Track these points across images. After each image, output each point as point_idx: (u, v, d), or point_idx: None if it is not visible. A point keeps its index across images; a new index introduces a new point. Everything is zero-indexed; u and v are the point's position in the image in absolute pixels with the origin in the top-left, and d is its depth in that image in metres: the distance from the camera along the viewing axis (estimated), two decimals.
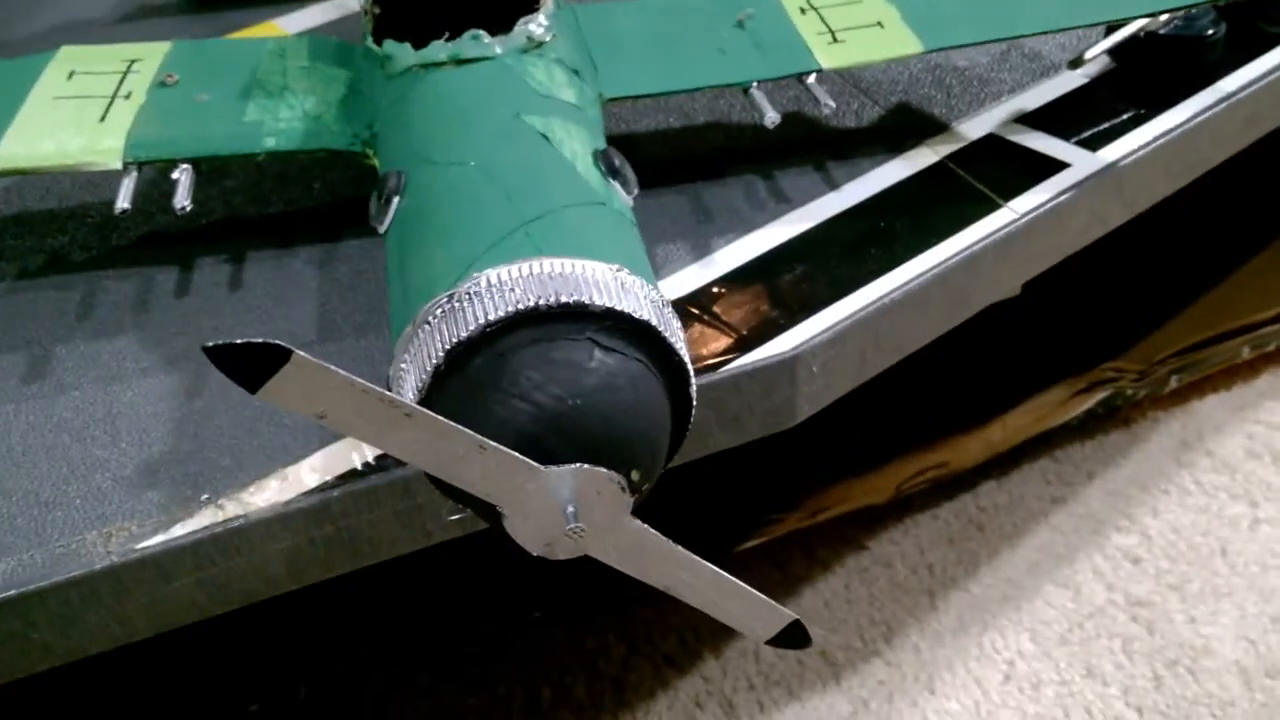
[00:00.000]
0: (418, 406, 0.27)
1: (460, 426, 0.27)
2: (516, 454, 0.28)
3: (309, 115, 0.43)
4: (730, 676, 0.58)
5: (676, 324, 0.32)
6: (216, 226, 0.46)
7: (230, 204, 0.47)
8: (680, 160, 0.49)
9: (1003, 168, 0.47)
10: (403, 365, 0.31)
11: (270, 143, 0.42)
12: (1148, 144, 0.48)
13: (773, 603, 0.32)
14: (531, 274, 0.30)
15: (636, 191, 0.37)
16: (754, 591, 0.31)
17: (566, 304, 0.29)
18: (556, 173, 0.35)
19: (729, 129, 0.50)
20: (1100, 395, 0.66)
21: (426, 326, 0.30)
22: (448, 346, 0.29)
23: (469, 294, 0.30)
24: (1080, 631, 0.59)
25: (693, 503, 0.48)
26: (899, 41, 0.45)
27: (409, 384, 0.30)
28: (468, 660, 0.58)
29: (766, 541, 0.60)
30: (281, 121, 0.43)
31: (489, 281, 0.30)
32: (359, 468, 0.36)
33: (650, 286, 0.31)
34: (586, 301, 0.29)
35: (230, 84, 0.45)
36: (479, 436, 0.27)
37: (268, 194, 0.48)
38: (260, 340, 0.25)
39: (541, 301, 0.29)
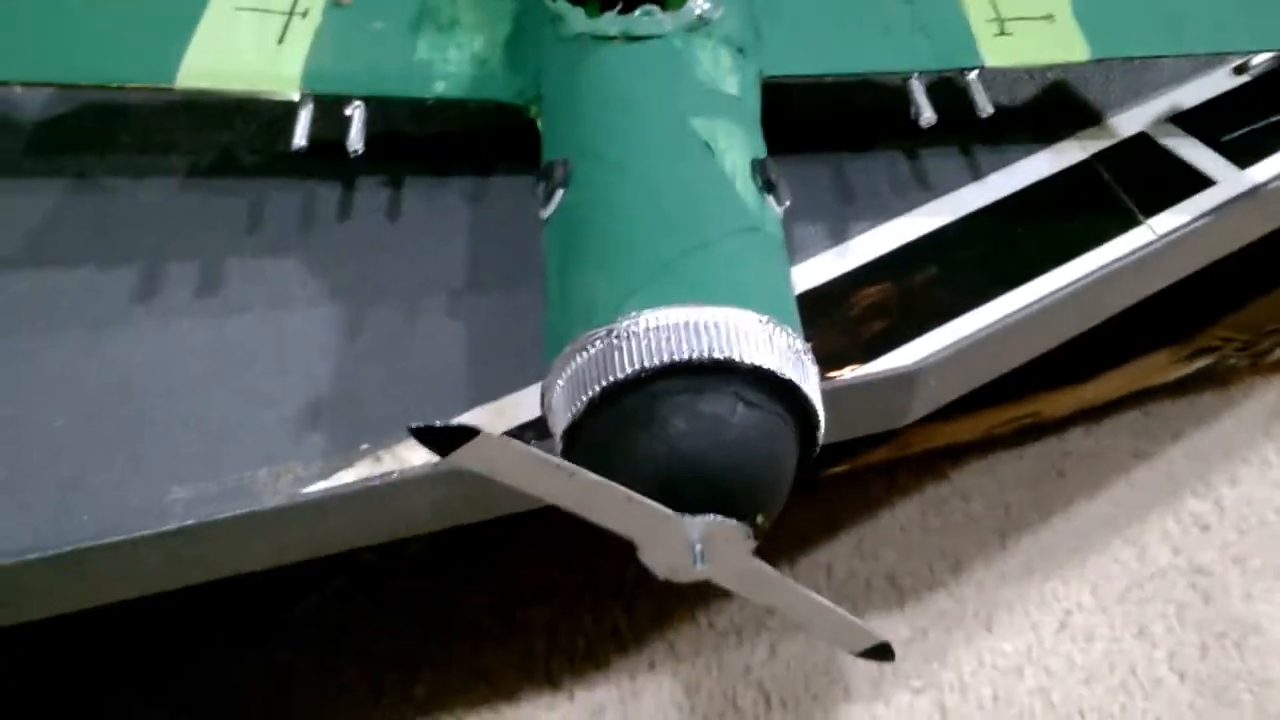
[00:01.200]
0: (578, 468, 0.30)
1: (610, 482, 0.30)
2: (656, 505, 0.31)
3: (476, 58, 0.44)
4: (803, 582, 0.62)
5: (814, 373, 0.34)
6: (376, 141, 0.47)
7: (390, 120, 0.49)
8: (828, 122, 0.49)
9: (1149, 177, 0.47)
10: (559, 383, 0.33)
11: (439, 88, 0.44)
12: None
13: (864, 625, 0.35)
14: (687, 324, 0.32)
15: (788, 203, 0.38)
16: (848, 615, 0.34)
17: (716, 359, 0.32)
18: (716, 194, 0.36)
19: (880, 91, 0.50)
20: (1202, 362, 0.66)
21: (584, 354, 0.33)
22: (603, 383, 0.32)
23: (628, 333, 0.32)
24: (1139, 591, 0.62)
25: None
26: (1068, 43, 0.44)
27: (562, 405, 0.33)
28: None
29: (853, 468, 0.63)
30: (450, 64, 0.44)
31: (646, 325, 0.32)
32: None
33: (794, 336, 0.33)
34: (736, 359, 0.32)
35: (402, 10, 0.46)
36: (626, 490, 0.30)
37: (427, 113, 0.49)
38: (456, 425, 0.28)
39: (694, 355, 0.31)
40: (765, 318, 0.33)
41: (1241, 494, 0.66)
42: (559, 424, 0.33)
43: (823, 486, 0.64)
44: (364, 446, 0.39)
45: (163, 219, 0.45)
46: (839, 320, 0.42)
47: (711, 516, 0.31)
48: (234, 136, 0.48)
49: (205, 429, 0.39)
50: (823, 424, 0.34)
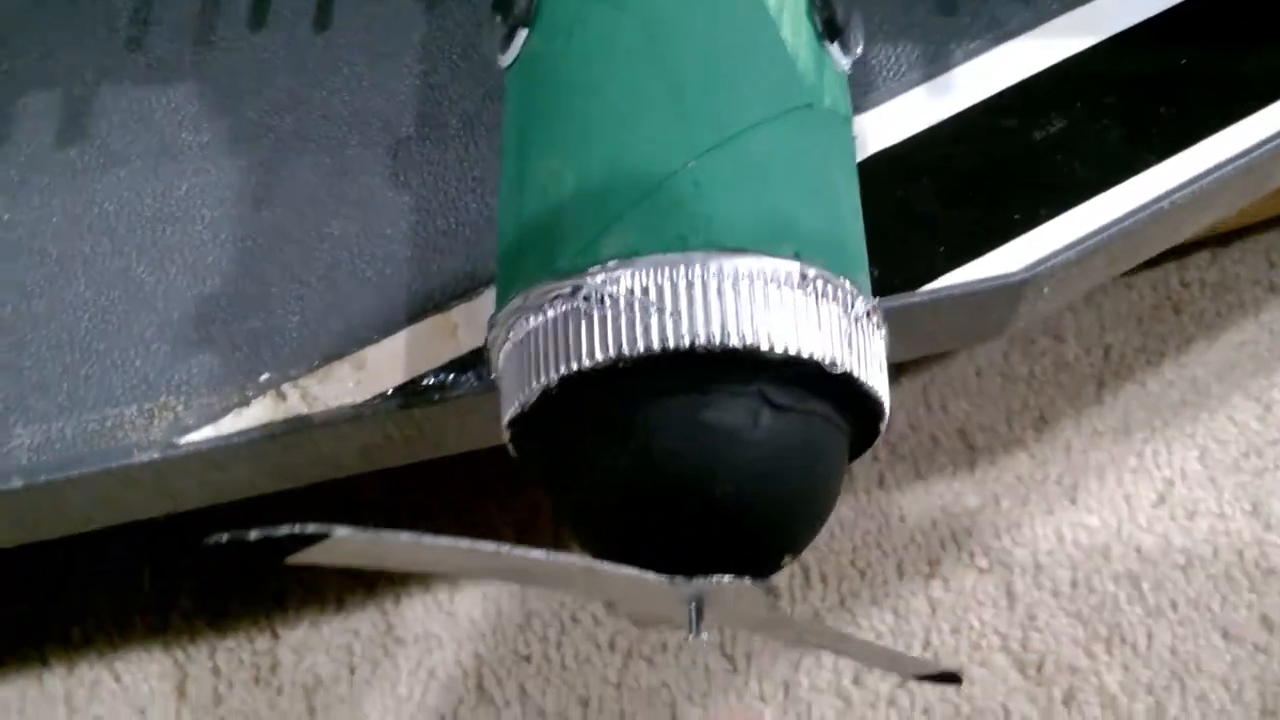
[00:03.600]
0: (503, 546, 0.20)
1: (560, 556, 0.20)
2: (635, 572, 0.21)
3: None
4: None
5: (882, 344, 0.23)
6: None
7: None
8: None
9: None
10: (506, 348, 0.23)
11: None
12: None
13: (918, 658, 0.26)
14: (691, 288, 0.21)
15: (860, 50, 0.26)
16: (898, 650, 0.25)
17: (733, 349, 0.21)
18: (752, 49, 0.24)
19: None
20: None
21: (540, 317, 0.22)
22: (563, 371, 0.21)
23: (601, 296, 0.21)
24: (1257, 459, 0.52)
25: None
26: None
27: (512, 379, 0.23)
28: None
29: None
30: None
31: (629, 284, 0.21)
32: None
33: (852, 288, 0.22)
34: (763, 347, 0.21)
35: None
36: (587, 561, 0.21)
37: None
38: (282, 534, 0.18)
39: (699, 341, 0.21)
40: (813, 268, 0.22)
41: None
42: (506, 405, 0.23)
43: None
44: (264, 376, 0.29)
45: (21, 29, 0.34)
46: (920, 201, 0.31)
47: (719, 579, 0.21)
48: None
49: (62, 339, 0.29)
50: (887, 416, 0.24)
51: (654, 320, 0.21)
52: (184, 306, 0.30)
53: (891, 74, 0.32)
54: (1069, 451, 0.53)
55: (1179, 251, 0.56)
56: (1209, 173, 0.31)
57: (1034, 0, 0.33)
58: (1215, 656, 0.49)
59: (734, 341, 0.21)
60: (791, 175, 0.23)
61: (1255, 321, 0.55)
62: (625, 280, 0.21)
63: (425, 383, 0.28)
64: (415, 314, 0.29)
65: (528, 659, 0.50)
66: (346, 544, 0.18)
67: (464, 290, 0.30)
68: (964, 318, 0.30)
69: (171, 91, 0.33)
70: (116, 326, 0.29)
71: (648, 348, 0.21)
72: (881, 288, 0.26)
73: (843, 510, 0.52)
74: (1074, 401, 0.54)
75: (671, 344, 0.21)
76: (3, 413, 0.29)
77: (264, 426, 0.28)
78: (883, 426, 0.24)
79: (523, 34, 0.26)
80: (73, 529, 0.30)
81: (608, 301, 0.21)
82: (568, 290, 0.22)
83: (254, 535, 0.17)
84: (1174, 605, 0.50)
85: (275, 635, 0.51)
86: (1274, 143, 0.31)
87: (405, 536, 0.19)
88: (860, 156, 0.29)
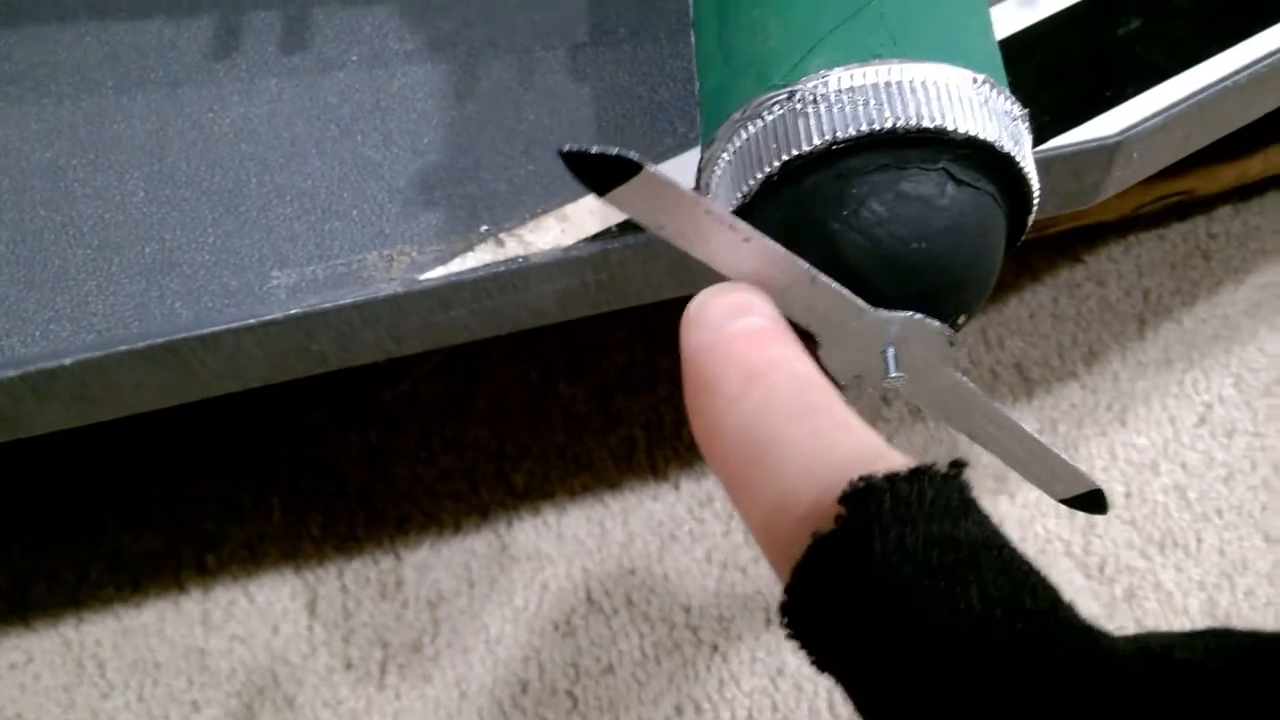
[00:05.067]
0: (757, 232, 0.25)
1: (795, 256, 0.25)
2: (847, 292, 0.26)
3: None
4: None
5: (1029, 141, 0.29)
6: None
7: None
8: None
9: None
10: (724, 157, 0.28)
11: None
12: None
13: (1078, 467, 0.30)
14: (889, 84, 0.26)
15: None
16: (1060, 454, 0.30)
17: (925, 129, 0.26)
18: None
19: None
20: None
21: (758, 122, 0.27)
22: (785, 157, 0.27)
23: (815, 97, 0.27)
24: None
25: None
26: None
27: (728, 183, 0.28)
28: None
29: None
30: None
31: (838, 85, 0.27)
32: None
33: (1010, 99, 0.28)
34: (948, 128, 0.26)
35: None
36: (812, 269, 0.26)
37: None
38: (616, 152, 0.23)
39: (899, 124, 0.26)
40: (980, 76, 0.27)
41: None
42: (724, 206, 0.28)
43: None
44: (484, 228, 0.34)
45: None
46: (1025, 81, 0.36)
47: (910, 314, 0.26)
48: None
49: (305, 204, 0.35)
50: (1036, 202, 0.29)
51: (860, 109, 0.26)
52: (408, 176, 0.35)
53: None
54: (1116, 381, 0.58)
55: (1205, 206, 0.62)
56: (1261, 60, 0.36)
57: None
58: (1259, 556, 0.54)
59: (926, 123, 0.26)
60: (952, 10, 0.29)
61: (1276, 265, 0.61)
62: (833, 82, 0.27)
63: (617, 230, 0.34)
64: None
65: (632, 572, 0.54)
66: (654, 182, 0.23)
67: (650, 158, 0.35)
68: (1068, 177, 0.36)
69: (374, 10, 0.38)
70: (352, 191, 0.35)
71: (857, 130, 0.26)
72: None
73: (915, 436, 0.57)
74: (1118, 338, 0.59)
75: (876, 126, 0.26)
76: (259, 261, 0.34)
77: (488, 266, 0.33)
78: (1030, 219, 0.29)
79: None
80: (312, 369, 0.35)
81: (819, 100, 0.27)
82: (784, 96, 0.27)
83: (595, 150, 0.23)
84: (1219, 513, 0.55)
85: (398, 557, 0.55)
86: None
87: (696, 197, 0.24)
88: None
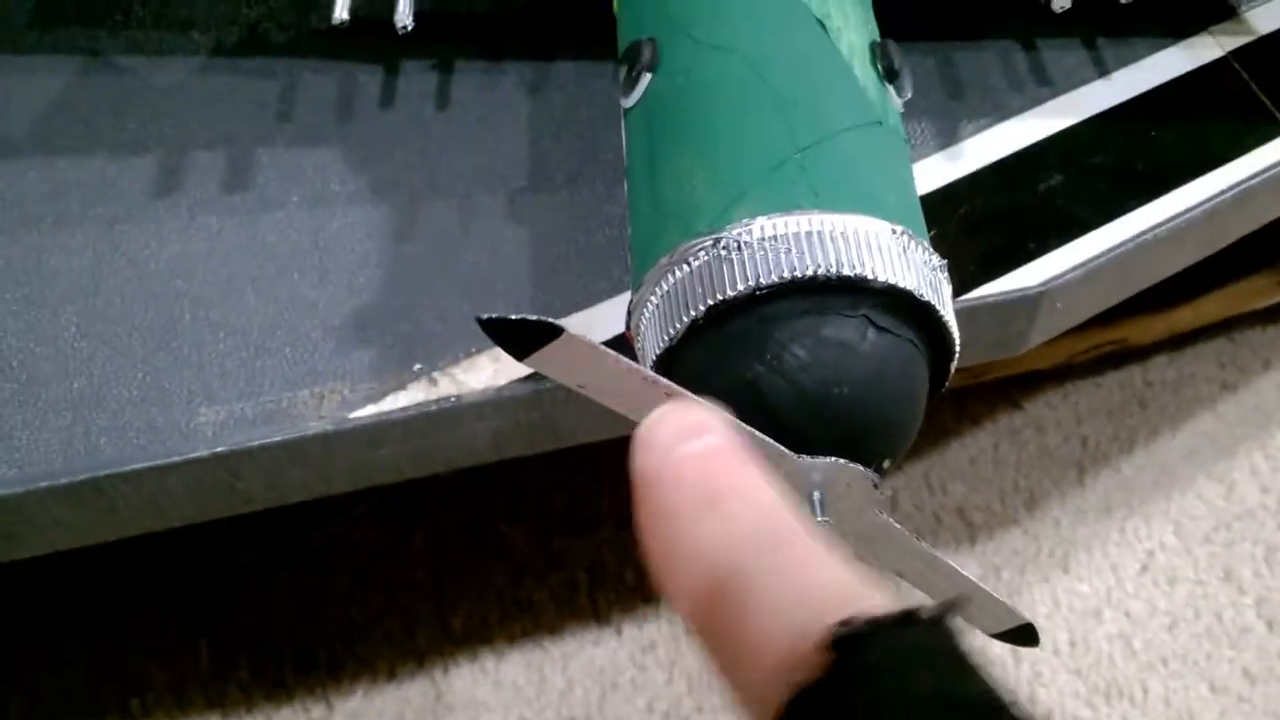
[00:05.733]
0: (677, 386, 0.25)
1: (717, 407, 0.26)
2: (770, 440, 0.26)
3: None
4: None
5: (949, 291, 0.29)
6: (424, 19, 0.42)
7: None
8: (932, 5, 0.44)
9: None
10: (652, 300, 0.29)
11: None
12: None
13: (1007, 603, 0.30)
14: (810, 234, 0.27)
15: (910, 94, 0.33)
16: (989, 590, 0.30)
17: (846, 277, 0.27)
18: (834, 80, 0.31)
19: None
20: None
21: (684, 268, 0.28)
22: (710, 302, 0.27)
23: (738, 243, 0.27)
24: (1226, 532, 0.58)
25: None
26: None
27: (656, 327, 0.28)
28: None
29: None
30: None
31: (762, 233, 0.27)
32: None
33: (929, 250, 0.29)
34: (868, 276, 0.27)
35: None
36: (736, 420, 0.26)
37: None
38: (535, 319, 0.24)
39: (820, 271, 0.27)
40: (899, 228, 0.28)
41: None
42: (650, 350, 0.29)
43: None
44: (417, 367, 0.34)
45: (184, 104, 0.40)
46: (951, 233, 0.37)
47: (834, 460, 0.27)
48: (263, 10, 0.43)
49: (238, 341, 0.34)
50: (958, 352, 0.29)
51: (783, 256, 0.27)
52: (343, 314, 0.35)
53: (917, 142, 0.39)
54: (1058, 527, 0.58)
55: (1140, 354, 0.63)
56: (1178, 215, 0.38)
57: (1027, 88, 0.41)
58: (1205, 706, 0.54)
59: (846, 271, 0.26)
60: (872, 166, 0.29)
61: (1213, 413, 0.62)
62: (757, 230, 0.27)
63: None
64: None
65: None
66: (572, 345, 0.23)
67: (578, 302, 0.35)
68: (994, 326, 0.36)
69: (318, 154, 0.39)
70: (286, 329, 0.35)
71: (780, 277, 0.26)
72: None
73: None
74: (1059, 484, 0.60)
75: (798, 273, 0.26)
76: (188, 397, 0.33)
77: (419, 405, 0.33)
78: (953, 365, 0.29)
79: (646, 78, 0.32)
80: (238, 509, 0.34)
81: (743, 247, 0.27)
82: (709, 243, 0.27)
83: (514, 317, 0.23)
84: (1164, 661, 0.55)
85: (330, 705, 0.54)
86: (1230, 194, 0.38)
87: (615, 356, 0.24)
88: None
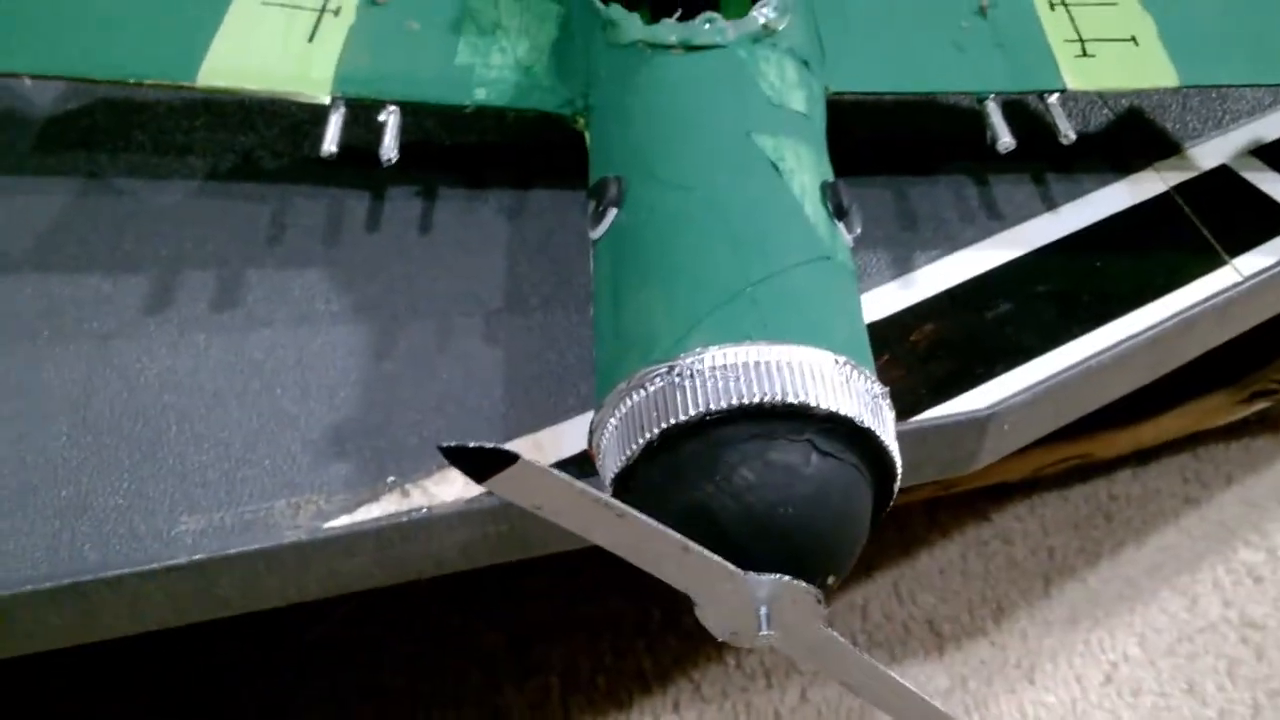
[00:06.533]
0: (628, 509, 0.27)
1: (666, 529, 0.27)
2: (717, 558, 0.28)
3: (520, 65, 0.41)
4: (837, 629, 0.59)
5: (891, 419, 0.31)
6: (409, 149, 0.44)
7: (423, 127, 0.46)
8: (889, 143, 0.46)
9: (1232, 213, 0.44)
10: (612, 422, 0.30)
11: (481, 94, 0.41)
12: None
13: (946, 713, 0.32)
14: (758, 365, 0.29)
15: (859, 230, 0.35)
16: (930, 700, 0.31)
17: (789, 404, 0.28)
18: (785, 218, 0.33)
19: (947, 112, 0.47)
20: (1259, 405, 0.63)
21: (641, 392, 0.30)
22: (663, 426, 0.29)
23: (691, 372, 0.29)
24: (1189, 645, 0.59)
25: None
26: (1154, 68, 0.42)
27: (615, 447, 0.30)
28: None
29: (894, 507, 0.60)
30: (492, 70, 0.41)
31: (713, 362, 0.29)
32: None
33: (871, 379, 0.30)
34: (811, 404, 0.29)
35: (440, 11, 0.43)
36: (683, 539, 0.27)
37: (463, 120, 0.46)
38: (492, 446, 0.25)
39: (765, 399, 0.28)
40: (842, 358, 0.30)
41: None
42: (610, 468, 0.30)
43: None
44: (391, 479, 0.36)
45: (179, 225, 0.43)
46: (903, 357, 0.39)
47: (779, 577, 0.28)
48: (257, 139, 0.46)
49: (220, 453, 0.36)
50: (900, 475, 0.31)
51: (732, 384, 0.29)
52: (322, 428, 0.37)
53: (872, 271, 0.42)
54: (1025, 638, 0.60)
55: (1106, 469, 0.65)
56: (1121, 342, 0.40)
57: (978, 220, 0.43)
58: None
59: (790, 399, 0.28)
60: (820, 299, 0.32)
61: (1176, 527, 0.64)
62: (709, 359, 0.29)
63: None
64: (510, 435, 0.37)
65: None
66: (527, 471, 0.25)
67: (548, 418, 0.37)
68: (943, 447, 0.38)
69: (305, 275, 0.41)
70: (266, 441, 0.36)
71: (729, 403, 0.28)
72: None
73: (827, 692, 0.58)
74: (1026, 595, 0.61)
75: (746, 400, 0.28)
76: (171, 506, 0.35)
77: (391, 516, 0.35)
78: (895, 487, 0.31)
79: (612, 213, 0.34)
80: (214, 613, 0.36)
81: (695, 375, 0.29)
82: (664, 370, 0.29)
83: (473, 445, 0.24)
84: None
85: None
86: (1171, 322, 0.40)
87: (569, 480, 0.26)
88: None
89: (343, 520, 0.35)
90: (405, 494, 0.35)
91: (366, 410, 0.37)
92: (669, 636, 0.58)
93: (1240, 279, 0.42)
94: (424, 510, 0.35)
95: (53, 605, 0.33)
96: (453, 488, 0.35)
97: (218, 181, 0.44)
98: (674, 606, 0.60)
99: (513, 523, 0.36)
